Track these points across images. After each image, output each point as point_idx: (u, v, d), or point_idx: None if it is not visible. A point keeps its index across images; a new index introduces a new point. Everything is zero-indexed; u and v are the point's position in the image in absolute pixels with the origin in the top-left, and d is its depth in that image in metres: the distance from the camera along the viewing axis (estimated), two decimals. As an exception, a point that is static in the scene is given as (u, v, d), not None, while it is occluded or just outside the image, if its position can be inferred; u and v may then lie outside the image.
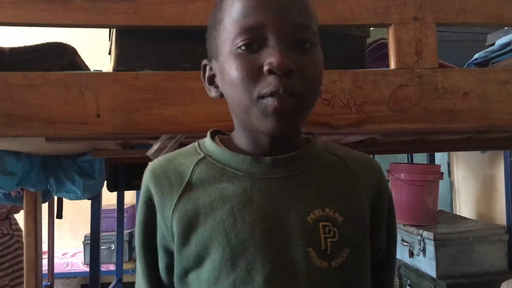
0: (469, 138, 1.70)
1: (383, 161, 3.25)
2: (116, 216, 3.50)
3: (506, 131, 1.26)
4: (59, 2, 0.96)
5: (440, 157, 3.04)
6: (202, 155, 0.68)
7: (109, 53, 1.32)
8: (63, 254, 4.46)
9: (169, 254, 0.66)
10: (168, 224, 0.65)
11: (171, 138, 1.04)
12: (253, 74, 0.59)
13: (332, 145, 0.73)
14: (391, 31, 1.04)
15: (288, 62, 0.58)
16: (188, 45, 1.06)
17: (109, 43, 1.29)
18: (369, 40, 1.31)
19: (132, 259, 4.45)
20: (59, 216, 2.22)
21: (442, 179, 2.51)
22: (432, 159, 3.00)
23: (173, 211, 0.64)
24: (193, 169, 0.66)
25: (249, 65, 0.59)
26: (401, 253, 2.53)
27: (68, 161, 1.63)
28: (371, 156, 0.76)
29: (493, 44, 1.58)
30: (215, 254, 0.61)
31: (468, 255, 2.16)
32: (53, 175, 1.61)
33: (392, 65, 1.04)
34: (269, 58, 0.58)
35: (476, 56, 1.51)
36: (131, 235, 4.42)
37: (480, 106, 1.03)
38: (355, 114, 1.01)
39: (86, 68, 1.13)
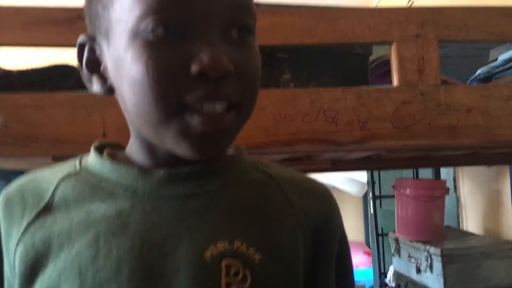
0: (474, 154, 1.70)
1: (389, 177, 3.24)
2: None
3: (510, 147, 1.26)
4: (65, 24, 0.98)
5: (445, 172, 3.03)
6: (76, 168, 0.52)
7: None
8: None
9: None
10: (11, 261, 0.47)
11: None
12: (173, 75, 0.42)
13: (266, 162, 0.55)
14: (393, 48, 1.05)
15: (225, 62, 0.42)
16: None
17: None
18: (372, 57, 1.33)
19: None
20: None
21: (448, 194, 2.50)
22: (437, 174, 2.99)
23: (17, 243, 0.46)
24: (56, 186, 0.49)
25: (167, 61, 0.42)
26: (408, 270, 2.50)
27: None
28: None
29: (496, 60, 1.59)
30: None
31: (476, 271, 2.14)
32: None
33: (395, 82, 1.05)
34: (200, 54, 0.41)
35: (479, 71, 1.52)
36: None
37: (484, 122, 1.04)
38: (359, 131, 1.01)
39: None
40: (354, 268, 0.59)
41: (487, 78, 1.48)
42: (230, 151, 0.55)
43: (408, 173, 3.24)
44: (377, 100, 1.02)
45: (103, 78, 0.50)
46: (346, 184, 4.31)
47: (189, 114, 0.43)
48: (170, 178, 0.48)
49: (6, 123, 0.95)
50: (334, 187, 4.55)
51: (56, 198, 0.48)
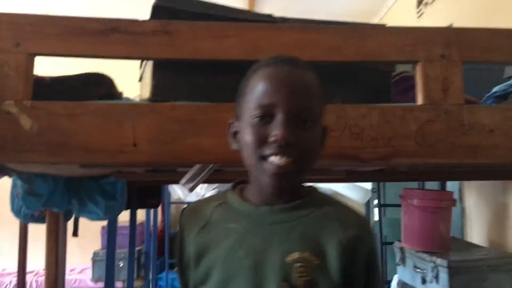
0: (479, 170, 1.72)
1: (396, 185, 3.26)
2: (123, 233, 3.52)
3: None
4: (102, 35, 1.00)
5: (451, 183, 3.05)
6: (221, 201, 0.85)
7: (139, 80, 1.36)
8: (71, 270, 4.46)
9: (187, 274, 0.84)
10: (187, 251, 0.83)
11: (204, 168, 1.06)
12: (261, 140, 0.75)
13: (330, 200, 0.85)
14: (418, 68, 1.07)
15: (288, 136, 0.73)
16: (222, 77, 1.10)
17: (140, 70, 1.32)
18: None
19: (140, 276, 4.45)
20: (75, 233, 2.24)
21: (455, 205, 2.52)
22: (443, 185, 3.01)
23: (192, 241, 0.83)
24: (212, 211, 0.84)
25: (259, 133, 0.75)
26: (414, 280, 2.52)
27: (91, 183, 1.65)
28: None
29: (511, 77, 1.61)
30: (215, 277, 0.78)
31: (482, 284, 2.15)
32: (76, 196, 1.63)
33: (420, 101, 1.07)
34: (275, 131, 0.74)
35: (495, 89, 1.54)
36: (140, 252, 4.42)
37: (505, 142, 1.06)
38: (383, 148, 1.03)
39: (121, 97, 1.16)
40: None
41: (503, 96, 1.50)
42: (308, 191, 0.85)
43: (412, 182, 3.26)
44: (401, 118, 1.04)
45: (238, 142, 0.83)
46: (350, 190, 4.31)
47: (267, 162, 0.75)
48: (270, 211, 0.80)
49: (39, 131, 0.97)
50: (337, 193, 4.57)
51: (212, 218, 0.83)
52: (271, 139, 0.74)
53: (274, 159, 0.74)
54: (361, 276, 0.80)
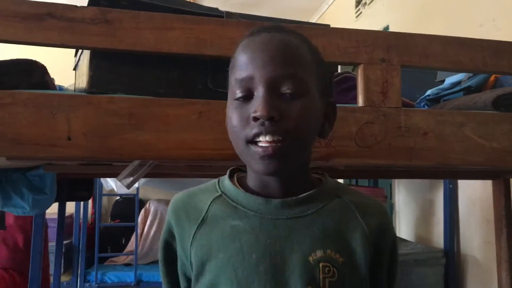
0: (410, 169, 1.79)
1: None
2: (51, 225, 3.38)
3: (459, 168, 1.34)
4: (34, 20, 0.93)
5: (382, 179, 3.17)
6: (219, 193, 0.75)
7: (74, 69, 1.29)
8: (-8, 265, 4.20)
9: (188, 279, 0.76)
10: (187, 255, 0.73)
11: (143, 163, 1.02)
12: (244, 121, 0.68)
13: (343, 187, 0.79)
14: (360, 70, 1.09)
15: (269, 110, 0.65)
16: (163, 71, 1.06)
17: (75, 58, 1.26)
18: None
19: (67, 271, 4.28)
20: (2, 226, 2.10)
21: (385, 202, 2.62)
22: (375, 181, 3.13)
23: (191, 244, 0.72)
24: (209, 206, 0.74)
25: (241, 114, 0.68)
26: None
27: (17, 175, 1.55)
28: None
29: (443, 81, 1.69)
30: (224, 286, 0.68)
31: (408, 278, 2.26)
32: (0, 188, 1.53)
33: (360, 103, 1.09)
34: (255, 107, 0.66)
35: (428, 92, 1.61)
36: (68, 246, 4.25)
37: (438, 145, 1.10)
38: (324, 148, 1.04)
39: (54, 87, 1.10)
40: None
41: (436, 99, 1.57)
42: (319, 179, 0.78)
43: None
44: (342, 119, 1.06)
45: None
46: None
47: (253, 146, 0.67)
48: (283, 204, 0.71)
49: (-38, 120, 0.89)
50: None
51: (210, 214, 0.73)
52: (251, 115, 0.66)
53: (261, 140, 0.66)
54: (385, 273, 0.76)
